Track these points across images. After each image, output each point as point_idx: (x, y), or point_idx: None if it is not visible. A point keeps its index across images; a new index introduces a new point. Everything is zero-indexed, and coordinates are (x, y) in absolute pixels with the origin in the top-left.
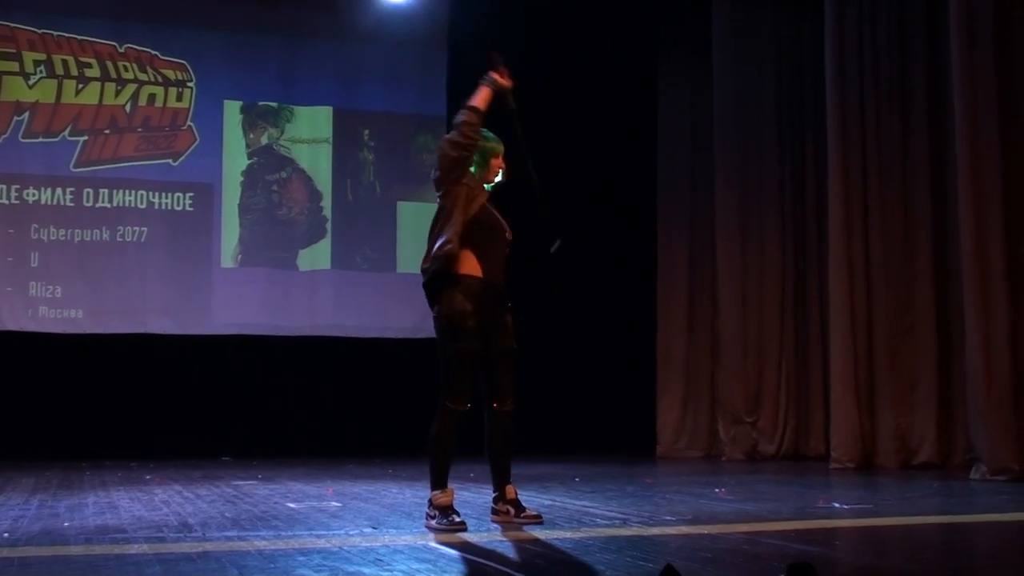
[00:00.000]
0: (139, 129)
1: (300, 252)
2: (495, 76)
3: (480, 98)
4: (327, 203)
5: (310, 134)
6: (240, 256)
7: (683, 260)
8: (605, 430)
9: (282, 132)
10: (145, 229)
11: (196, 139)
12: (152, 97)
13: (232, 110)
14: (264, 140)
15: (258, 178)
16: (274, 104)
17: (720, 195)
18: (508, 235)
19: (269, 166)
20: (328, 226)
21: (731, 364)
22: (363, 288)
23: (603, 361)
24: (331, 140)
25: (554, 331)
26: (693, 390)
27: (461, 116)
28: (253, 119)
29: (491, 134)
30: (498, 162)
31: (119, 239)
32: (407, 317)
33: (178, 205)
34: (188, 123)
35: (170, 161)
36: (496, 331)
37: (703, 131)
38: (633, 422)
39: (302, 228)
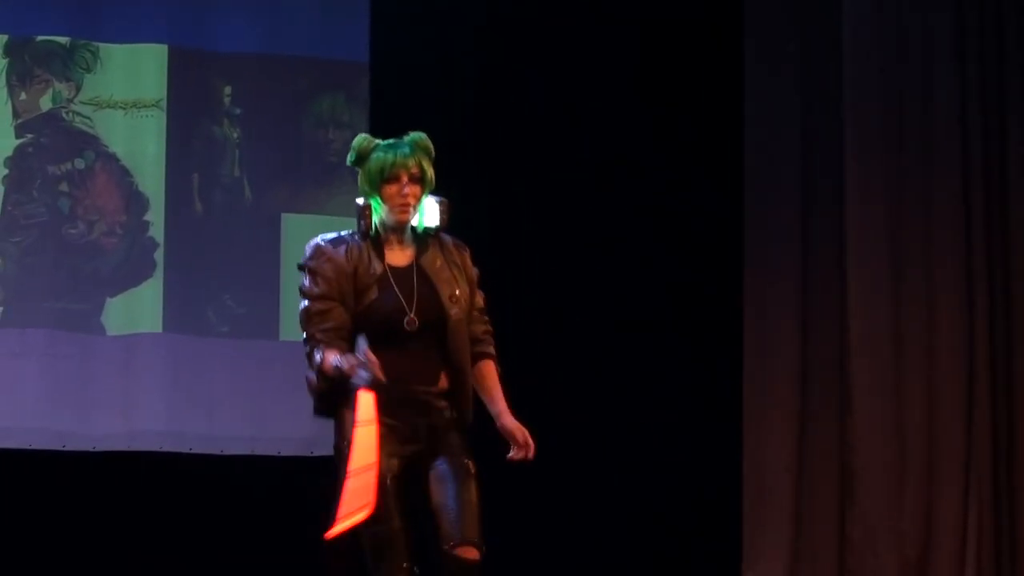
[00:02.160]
0: None
1: (108, 302)
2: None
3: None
4: (157, 216)
5: (128, 92)
6: (0, 310)
7: (787, 321)
8: None
9: (78, 89)
10: None
11: None
12: None
13: None
14: (46, 103)
15: (34, 171)
16: (63, 40)
17: (854, 208)
18: (429, 316)
19: (54, 150)
20: (159, 256)
21: (875, 499)
22: (222, 368)
23: (647, 500)
24: (165, 103)
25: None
26: (807, 549)
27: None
28: (26, 66)
29: (391, 141)
30: (396, 188)
31: None
32: (298, 418)
33: None
34: None
35: None
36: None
37: (818, 105)
38: None
39: (112, 260)
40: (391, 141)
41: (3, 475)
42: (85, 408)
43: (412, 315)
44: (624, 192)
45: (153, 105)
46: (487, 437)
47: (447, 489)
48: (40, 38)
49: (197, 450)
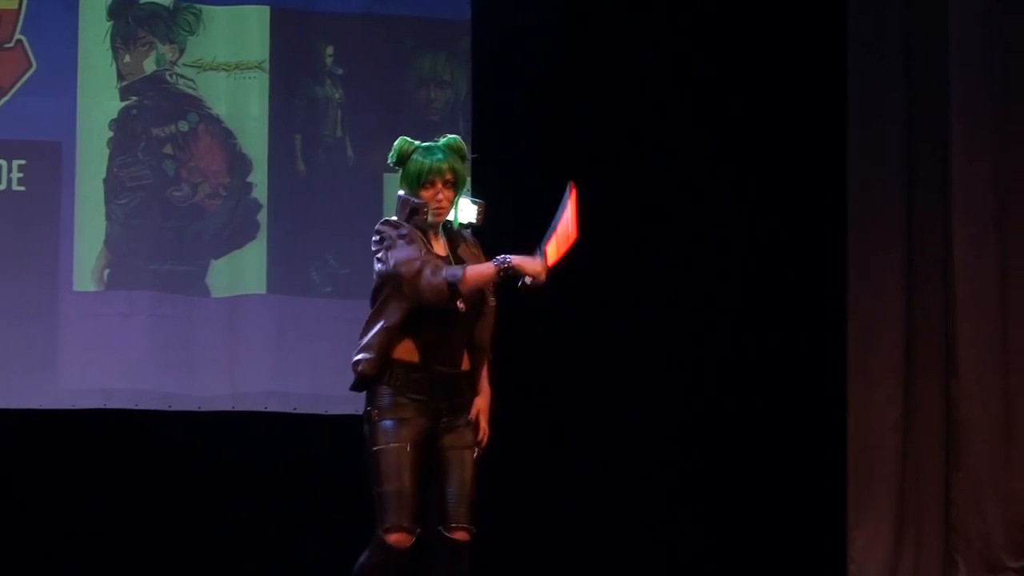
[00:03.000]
0: None
1: (213, 264)
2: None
3: (476, 275)
4: (260, 177)
5: (231, 54)
6: (107, 272)
7: (892, 286)
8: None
9: (181, 51)
10: None
11: (30, 65)
12: None
13: (93, 12)
14: (150, 66)
15: (138, 133)
16: (166, 2)
17: (959, 169)
18: (475, 300)
19: (158, 112)
20: (262, 217)
21: (980, 460)
22: (325, 328)
23: (752, 460)
24: (267, 64)
25: (666, 404)
26: (912, 510)
27: (439, 277)
28: (130, 28)
29: (430, 144)
30: (432, 192)
31: None
32: None
33: None
34: (16, 36)
35: None
36: (449, 427)
37: (922, 63)
38: (806, 562)
39: (216, 222)
40: (428, 145)
41: (111, 435)
42: (190, 369)
43: (461, 299)
44: (726, 153)
45: (256, 67)
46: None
47: (452, 475)
48: (144, 0)
49: (301, 410)
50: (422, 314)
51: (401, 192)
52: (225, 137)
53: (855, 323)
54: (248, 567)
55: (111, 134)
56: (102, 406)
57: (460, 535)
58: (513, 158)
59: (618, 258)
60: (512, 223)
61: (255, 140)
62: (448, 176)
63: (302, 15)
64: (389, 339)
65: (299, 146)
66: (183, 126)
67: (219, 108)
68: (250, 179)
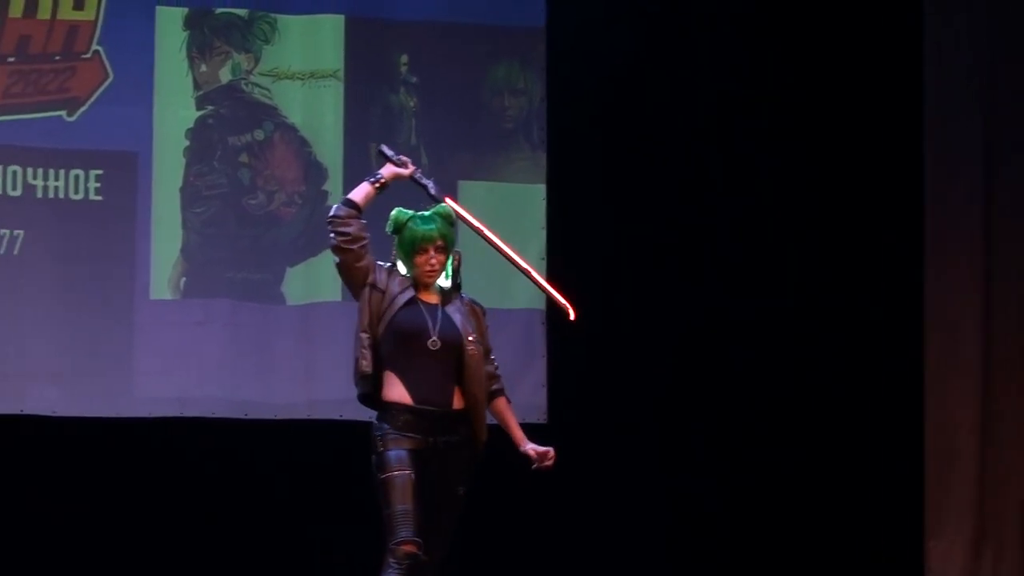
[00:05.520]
0: (9, 59)
1: (289, 272)
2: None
3: (358, 192)
4: (335, 185)
5: (306, 63)
6: (183, 280)
7: (970, 286)
8: None
9: (257, 60)
10: (19, 234)
11: (107, 75)
12: (33, 1)
13: (169, 23)
14: (226, 75)
15: (214, 142)
16: (242, 12)
17: None
18: (450, 342)
19: (234, 121)
20: None
21: None
22: None
23: (828, 466)
24: (343, 73)
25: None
26: (992, 517)
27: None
28: (206, 38)
29: (423, 214)
30: (425, 258)
31: None
32: None
33: (76, 191)
34: (94, 47)
35: (63, 114)
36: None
37: (1001, 49)
38: (882, 572)
39: (291, 230)
40: (422, 214)
41: (189, 443)
42: (266, 377)
43: (435, 337)
44: (804, 152)
45: (331, 75)
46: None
47: (434, 517)
48: (220, 10)
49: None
50: (399, 351)
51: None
52: (300, 145)
53: (933, 324)
54: (331, 574)
55: (187, 143)
56: (178, 414)
57: (435, 556)
58: (588, 165)
59: (696, 258)
60: (587, 227)
61: (330, 148)
62: (439, 243)
63: (376, 24)
64: (379, 380)
65: (374, 154)
66: (259, 135)
67: (294, 117)
68: (325, 187)
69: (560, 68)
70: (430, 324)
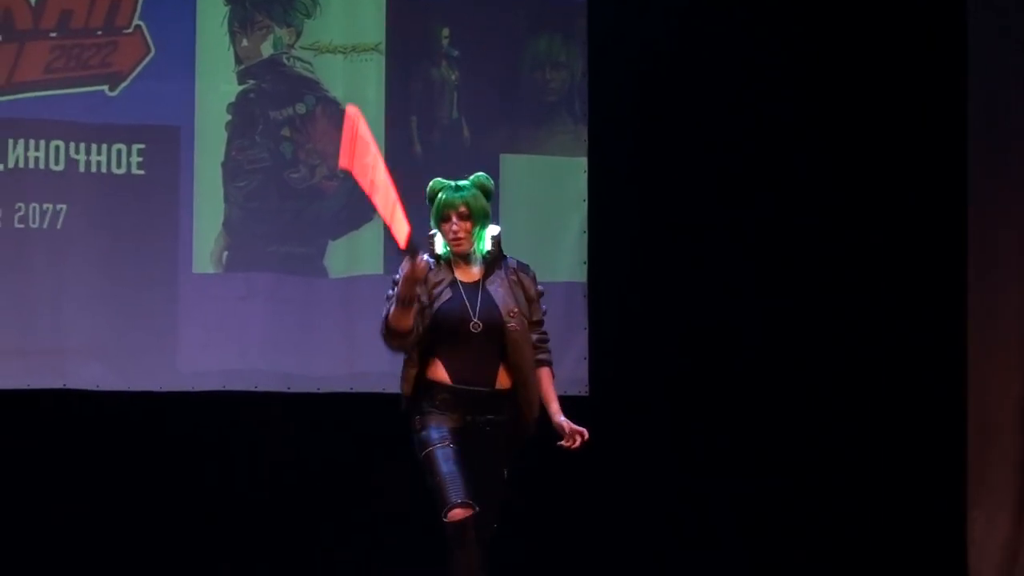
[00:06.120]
0: (51, 34)
1: (331, 245)
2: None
3: (389, 312)
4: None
5: (347, 37)
6: (226, 255)
7: (1014, 261)
8: (870, 557)
9: (298, 34)
10: (62, 208)
11: (149, 50)
12: None
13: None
14: (267, 49)
15: (256, 117)
16: None
17: None
18: (491, 322)
19: (276, 95)
20: None
21: None
22: None
23: (871, 440)
24: (384, 47)
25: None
26: None
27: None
28: (247, 12)
29: (454, 183)
30: (448, 226)
31: (17, 225)
32: None
33: (118, 166)
34: (135, 22)
35: (105, 89)
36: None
37: None
38: (924, 544)
39: (334, 204)
40: (453, 183)
41: (232, 417)
42: (309, 350)
43: (476, 319)
44: (846, 141)
45: (372, 49)
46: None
47: (479, 497)
48: None
49: None
50: (441, 337)
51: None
52: (342, 119)
53: (975, 299)
54: (373, 549)
55: (229, 118)
56: (221, 387)
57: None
58: (630, 139)
59: (739, 231)
60: (628, 200)
61: (371, 122)
62: (462, 209)
63: None
64: (422, 362)
65: (415, 128)
66: (300, 109)
67: (336, 90)
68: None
69: (601, 41)
70: (470, 307)
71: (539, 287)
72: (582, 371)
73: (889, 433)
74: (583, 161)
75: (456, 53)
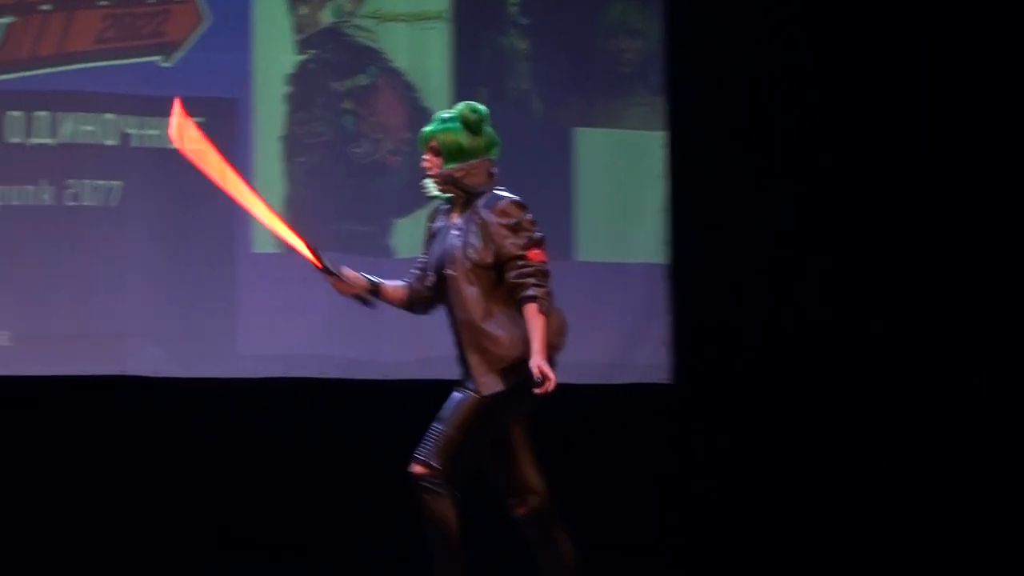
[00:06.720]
0: (101, 3)
1: (396, 224)
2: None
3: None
4: None
5: (411, 4)
6: None
7: None
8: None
9: (360, 1)
10: (117, 184)
11: (203, 18)
12: None
13: None
14: (327, 17)
15: (317, 89)
16: None
17: None
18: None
19: (337, 66)
20: None
21: None
22: None
23: (943, 431)
24: (449, 14)
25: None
26: None
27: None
28: None
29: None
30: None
31: (69, 203)
32: (598, 343)
33: None
34: None
35: (158, 60)
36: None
37: None
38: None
39: (398, 180)
40: (440, 115)
41: (294, 404)
42: (375, 334)
43: (431, 273)
44: (911, 134)
45: (437, 17)
46: None
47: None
48: None
49: None
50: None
51: None
52: (406, 91)
53: None
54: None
55: (288, 89)
56: (284, 374)
57: (412, 465)
58: (709, 111)
59: (825, 210)
60: (708, 177)
61: (437, 94)
62: (432, 143)
63: None
64: None
65: (484, 99)
66: (363, 80)
67: (400, 61)
68: None
69: (680, 8)
70: (435, 256)
71: (516, 218)
72: (661, 357)
73: (968, 428)
74: (661, 135)
75: (526, 21)
